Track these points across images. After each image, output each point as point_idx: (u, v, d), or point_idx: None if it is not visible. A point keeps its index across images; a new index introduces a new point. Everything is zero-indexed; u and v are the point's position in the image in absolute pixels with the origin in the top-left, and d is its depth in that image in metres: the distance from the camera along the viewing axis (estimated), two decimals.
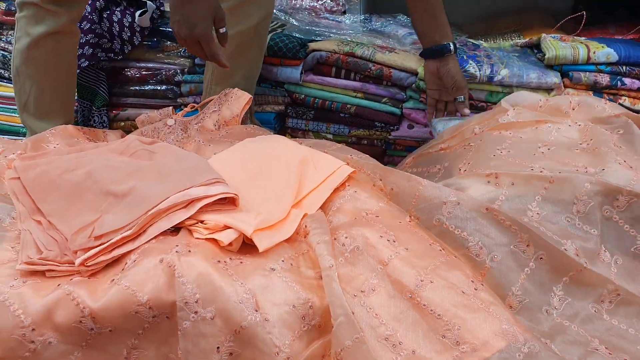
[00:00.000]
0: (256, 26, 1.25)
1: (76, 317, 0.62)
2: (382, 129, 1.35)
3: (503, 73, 1.23)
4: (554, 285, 0.73)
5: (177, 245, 0.66)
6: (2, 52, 1.53)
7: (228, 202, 0.76)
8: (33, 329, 0.62)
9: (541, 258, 0.74)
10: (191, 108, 1.30)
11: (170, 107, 1.28)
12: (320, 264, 0.67)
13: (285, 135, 1.43)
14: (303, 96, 1.37)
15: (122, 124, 1.51)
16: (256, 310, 0.63)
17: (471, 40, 1.44)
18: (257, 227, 0.72)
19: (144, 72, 1.48)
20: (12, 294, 0.63)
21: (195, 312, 0.62)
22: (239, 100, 1.16)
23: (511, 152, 0.87)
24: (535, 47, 1.35)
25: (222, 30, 1.02)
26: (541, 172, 0.79)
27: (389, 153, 1.38)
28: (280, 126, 1.45)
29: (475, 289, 0.68)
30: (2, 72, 1.55)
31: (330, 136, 1.39)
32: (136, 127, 1.32)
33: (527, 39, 1.46)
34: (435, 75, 1.15)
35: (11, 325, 0.62)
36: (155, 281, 0.63)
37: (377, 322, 0.64)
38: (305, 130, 1.40)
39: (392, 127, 1.34)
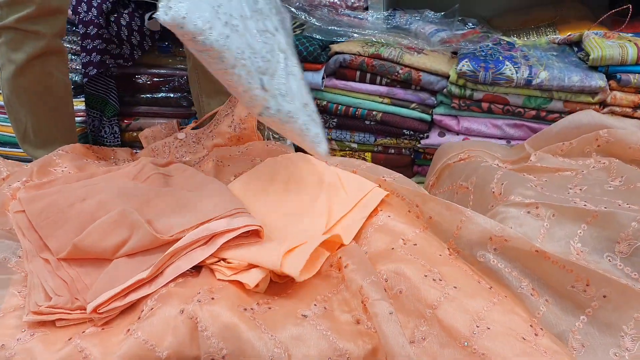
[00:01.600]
0: None
1: None
2: (410, 137, 1.28)
3: (542, 76, 1.14)
4: (624, 324, 0.66)
5: (199, 293, 0.61)
6: None
7: (252, 234, 0.71)
8: None
9: (605, 296, 0.67)
10: (194, 125, 1.25)
11: (174, 121, 1.23)
12: (371, 308, 0.61)
13: None
14: (325, 102, 1.30)
15: (135, 134, 1.46)
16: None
17: (504, 38, 1.36)
18: (283, 253, 0.66)
19: (155, 79, 1.43)
20: (19, 349, 0.59)
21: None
22: None
23: (544, 188, 0.82)
24: (576, 44, 1.27)
25: None
26: (584, 205, 0.73)
27: (418, 162, 1.31)
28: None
29: (536, 335, 0.62)
30: None
31: (354, 145, 1.32)
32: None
33: (564, 35, 1.37)
34: None
35: None
36: (176, 334, 0.57)
37: None
38: (328, 139, 1.33)
39: (421, 135, 1.27)
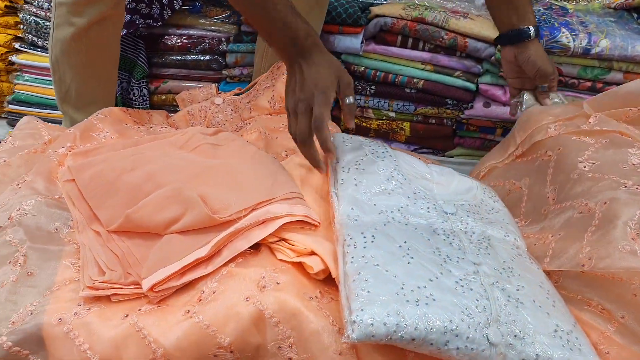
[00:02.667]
0: None
1: (147, 357, 0.54)
2: (453, 107, 1.21)
3: (603, 44, 1.07)
4: None
5: (263, 277, 0.57)
6: (34, 17, 1.42)
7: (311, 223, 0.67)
8: None
9: None
10: (236, 93, 1.19)
11: (214, 85, 1.17)
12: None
13: (340, 113, 1.31)
14: (363, 68, 1.24)
15: (164, 97, 1.40)
16: None
17: (556, 2, 1.27)
18: None
19: (185, 40, 1.36)
20: (77, 323, 0.56)
21: (290, 359, 0.54)
22: None
23: (595, 164, 0.75)
24: (635, 10, 1.18)
25: (348, 101, 0.75)
26: (637, 188, 0.67)
27: (459, 134, 1.25)
28: (335, 103, 1.33)
29: None
30: (36, 39, 1.44)
31: (392, 114, 1.26)
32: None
33: None
34: (514, 64, 0.98)
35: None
36: (240, 320, 0.54)
37: None
38: (364, 107, 1.27)
39: (465, 105, 1.21)
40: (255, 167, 0.72)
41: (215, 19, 1.35)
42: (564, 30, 1.08)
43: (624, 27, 1.12)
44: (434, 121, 1.25)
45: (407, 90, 1.23)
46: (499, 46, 1.12)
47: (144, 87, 1.39)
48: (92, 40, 1.07)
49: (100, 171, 0.71)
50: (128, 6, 1.29)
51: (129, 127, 0.91)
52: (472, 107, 1.20)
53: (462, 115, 1.22)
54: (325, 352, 0.54)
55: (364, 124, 1.30)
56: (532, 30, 0.94)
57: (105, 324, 0.56)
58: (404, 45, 1.21)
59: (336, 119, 1.31)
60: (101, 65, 1.14)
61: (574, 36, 1.07)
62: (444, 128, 1.25)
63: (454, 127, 1.25)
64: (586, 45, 1.06)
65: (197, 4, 1.35)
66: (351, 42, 1.22)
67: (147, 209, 0.64)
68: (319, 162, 0.75)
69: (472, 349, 0.54)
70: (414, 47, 1.20)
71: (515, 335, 0.56)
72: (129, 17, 1.30)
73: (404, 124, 1.27)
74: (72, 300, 0.59)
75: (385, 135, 1.30)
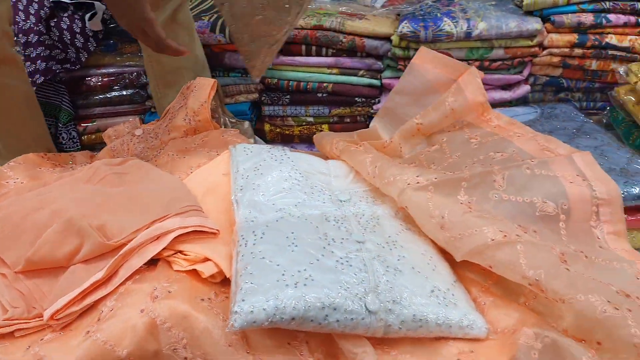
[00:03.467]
0: (172, 15, 1.14)
1: None
2: (363, 104, 1.28)
3: (481, 26, 1.14)
4: None
5: (155, 288, 0.61)
6: None
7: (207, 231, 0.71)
8: None
9: None
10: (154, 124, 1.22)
11: (137, 118, 1.21)
12: None
13: (263, 125, 1.37)
14: (276, 80, 1.29)
15: (93, 136, 1.43)
16: (248, 352, 0.58)
17: None
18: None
19: (105, 79, 1.39)
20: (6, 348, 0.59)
21: (185, 358, 0.58)
22: (203, 87, 1.08)
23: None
24: None
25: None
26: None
27: None
28: (256, 116, 1.38)
29: None
30: None
31: (311, 119, 1.32)
32: None
33: None
34: None
35: None
36: (135, 332, 0.57)
37: None
38: (283, 116, 1.33)
39: (373, 100, 1.27)
40: (155, 189, 0.76)
41: (132, 54, 1.39)
42: (446, 19, 1.15)
43: (501, 8, 1.19)
44: (348, 120, 1.31)
45: (319, 95, 1.29)
46: (394, 40, 1.19)
47: (72, 130, 1.42)
48: None
49: (6, 215, 0.74)
50: (42, 54, 1.33)
51: (43, 170, 0.94)
52: (379, 101, 1.27)
53: (372, 110, 1.28)
54: (216, 346, 0.58)
55: (286, 132, 1.35)
56: None
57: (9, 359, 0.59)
58: (308, 53, 1.27)
59: (258, 132, 1.36)
60: (16, 112, 1.12)
61: (455, 23, 1.14)
62: (359, 125, 1.31)
63: (367, 122, 1.31)
64: (467, 29, 1.13)
65: (112, 42, 1.39)
66: None
67: (46, 247, 0.67)
68: (179, 48, 0.91)
69: (351, 319, 0.58)
70: (318, 53, 1.26)
71: (393, 301, 0.61)
72: (44, 64, 1.33)
73: (323, 126, 1.32)
74: None
75: (309, 140, 1.35)
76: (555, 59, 1.17)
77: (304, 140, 1.36)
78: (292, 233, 0.68)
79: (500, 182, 0.77)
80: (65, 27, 1.34)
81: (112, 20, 1.38)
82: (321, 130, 1.32)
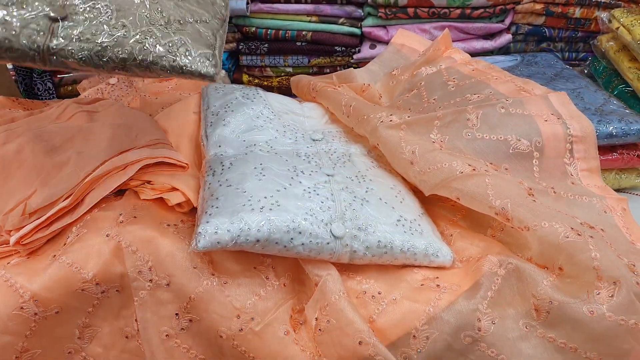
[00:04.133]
0: None
1: (16, 303, 0.56)
2: (343, 54, 1.25)
3: None
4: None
5: (120, 214, 0.60)
6: None
7: (176, 166, 0.70)
8: None
9: None
10: None
11: None
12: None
13: (242, 76, 1.34)
14: (254, 29, 1.26)
15: (70, 88, 1.40)
16: (212, 275, 0.58)
17: None
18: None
19: None
20: None
21: (150, 280, 0.58)
22: None
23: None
24: None
25: None
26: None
27: None
28: (235, 66, 1.35)
29: None
30: None
31: (289, 69, 1.30)
32: None
33: None
34: None
35: None
36: (101, 255, 0.57)
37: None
38: (261, 66, 1.30)
39: (353, 50, 1.25)
40: (123, 123, 0.75)
41: None
42: None
43: None
44: (328, 70, 1.29)
45: (298, 43, 1.26)
46: None
47: (48, 81, 1.38)
48: None
49: None
50: None
51: (12, 111, 0.93)
52: (359, 51, 1.25)
53: (352, 60, 1.26)
54: (180, 268, 0.58)
55: (265, 83, 1.33)
56: None
57: None
58: (287, 0, 1.24)
59: (236, 83, 1.34)
60: None
61: None
62: None
63: None
64: None
65: None
66: (237, 4, 1.23)
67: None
68: None
69: (317, 243, 0.59)
70: (297, 1, 1.23)
71: (359, 228, 0.61)
72: None
73: None
74: None
75: (287, 91, 1.33)
76: (538, 6, 1.15)
77: (283, 92, 1.32)
78: (261, 164, 0.67)
79: (474, 120, 0.76)
80: None
81: None
82: None
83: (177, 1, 0.57)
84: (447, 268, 0.63)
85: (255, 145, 0.74)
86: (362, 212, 0.63)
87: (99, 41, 0.51)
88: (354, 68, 1.27)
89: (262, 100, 0.84)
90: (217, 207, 0.59)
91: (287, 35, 1.25)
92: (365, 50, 1.24)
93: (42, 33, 0.50)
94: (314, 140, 0.79)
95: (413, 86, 0.93)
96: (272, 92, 1.34)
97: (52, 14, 0.51)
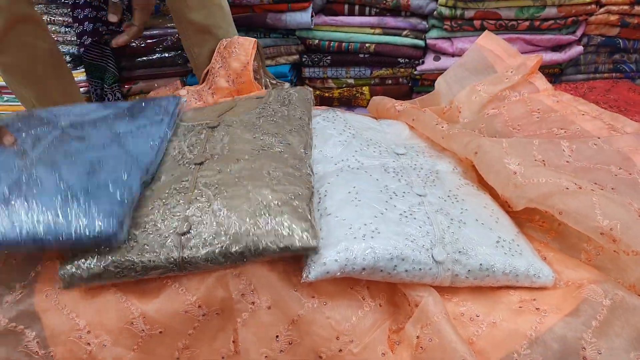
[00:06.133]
0: None
1: (127, 318, 0.58)
2: (406, 65, 1.23)
3: None
4: None
5: None
6: None
7: None
8: (88, 331, 0.59)
9: None
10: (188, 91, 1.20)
11: (178, 80, 1.19)
12: None
13: (303, 85, 1.34)
14: (317, 41, 1.26)
15: (137, 97, 1.43)
16: (313, 297, 0.58)
17: None
18: None
19: (148, 41, 1.38)
20: (63, 297, 0.60)
21: (253, 303, 0.58)
22: (243, 47, 1.04)
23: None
24: None
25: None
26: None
27: (416, 90, 1.28)
28: (297, 77, 1.35)
29: None
30: None
31: (351, 81, 1.28)
32: None
33: None
34: None
35: (68, 327, 0.60)
36: (205, 279, 0.58)
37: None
38: (323, 78, 1.30)
39: (417, 62, 1.23)
40: None
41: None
42: None
43: None
44: (390, 82, 1.27)
45: (361, 55, 1.25)
46: (440, 0, 1.15)
47: (117, 92, 1.42)
48: (14, 50, 1.01)
49: None
50: (89, 15, 1.32)
51: None
52: (423, 62, 1.22)
53: (415, 72, 1.24)
54: (282, 291, 0.57)
55: (326, 95, 1.32)
56: None
57: (88, 292, 0.60)
58: (351, 13, 1.23)
59: None
60: (45, 72, 1.09)
61: None
62: (401, 87, 1.27)
63: (409, 84, 1.27)
64: None
65: (155, 5, 1.37)
66: (301, 17, 1.24)
67: None
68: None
69: (419, 269, 0.57)
70: (361, 13, 1.22)
71: (459, 252, 0.59)
72: (91, 25, 1.32)
73: (363, 88, 1.29)
74: (55, 279, 0.62)
75: (348, 103, 1.32)
76: (613, 17, 1.10)
77: (344, 103, 1.33)
78: (354, 187, 0.66)
79: (569, 152, 0.74)
80: None
81: None
82: (362, 93, 1.29)
83: (273, 187, 0.62)
84: (544, 289, 0.61)
85: (343, 161, 0.73)
86: (460, 234, 0.61)
87: (219, 242, 0.57)
88: (417, 79, 1.26)
89: (342, 120, 0.83)
90: (321, 238, 0.58)
91: (350, 47, 1.24)
92: (429, 62, 1.22)
93: (176, 248, 0.57)
94: (397, 154, 0.77)
95: (496, 107, 0.91)
96: (333, 103, 1.34)
97: (179, 230, 0.58)
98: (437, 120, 0.84)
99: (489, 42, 1.03)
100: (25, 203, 0.59)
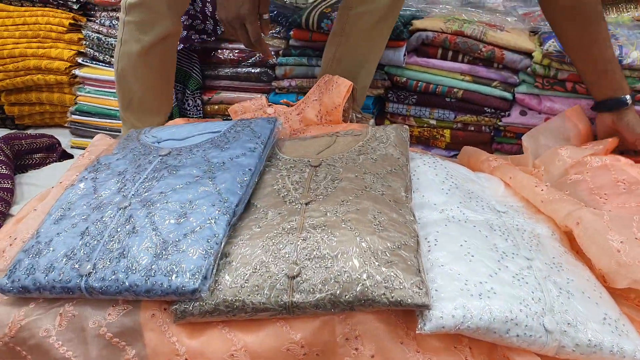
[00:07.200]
0: (390, 5, 1.11)
1: (228, 349, 0.60)
2: (491, 115, 1.25)
3: (634, 55, 1.09)
4: None
5: None
6: (96, 34, 1.50)
7: None
8: (186, 358, 0.61)
9: None
10: (284, 104, 1.23)
11: (264, 96, 1.22)
12: None
13: (384, 122, 1.36)
14: (405, 79, 1.28)
15: (216, 107, 1.47)
16: (418, 352, 0.59)
17: None
18: None
19: (237, 54, 1.42)
20: (167, 319, 0.62)
21: (356, 349, 0.59)
22: (339, 87, 1.08)
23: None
24: None
25: (265, 17, 0.97)
26: None
27: (497, 140, 1.29)
28: (379, 111, 1.37)
29: None
30: (97, 54, 1.52)
31: (433, 122, 1.30)
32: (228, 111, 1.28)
33: None
34: (611, 128, 1.03)
35: (168, 350, 0.61)
36: (310, 320, 0.60)
37: None
38: (406, 115, 1.32)
39: (502, 113, 1.24)
40: None
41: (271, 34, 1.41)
42: None
43: None
44: (472, 128, 1.28)
45: (448, 99, 1.27)
46: (535, 57, 1.16)
47: (198, 98, 1.46)
48: (156, 56, 1.14)
49: None
50: (184, 22, 1.36)
51: None
52: (509, 115, 1.24)
53: (499, 123, 1.25)
54: (388, 342, 0.59)
55: None
56: (628, 98, 1.00)
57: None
58: (444, 57, 1.25)
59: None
60: (162, 78, 1.21)
61: None
62: (482, 135, 1.28)
63: (492, 133, 1.28)
64: (618, 56, 1.08)
65: None
66: (394, 55, 1.26)
67: None
68: (268, 51, 1.03)
69: (530, 335, 0.58)
70: (454, 59, 1.24)
71: (568, 323, 0.60)
72: (185, 32, 1.37)
73: (445, 131, 1.30)
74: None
75: (426, 142, 1.34)
76: None
77: (422, 142, 1.35)
78: (465, 241, 0.67)
79: None
80: None
81: None
82: (442, 135, 1.31)
83: (379, 233, 0.64)
84: None
85: (446, 210, 0.74)
86: (569, 306, 0.62)
87: (329, 289, 0.58)
88: (500, 130, 1.27)
89: (443, 167, 0.85)
90: (436, 290, 0.59)
91: (437, 89, 1.26)
92: (515, 116, 1.23)
93: (285, 292, 0.59)
94: (499, 211, 0.78)
95: (579, 172, 0.92)
96: (411, 140, 1.35)
97: (289, 273, 0.60)
98: (536, 182, 0.84)
99: (574, 116, 1.06)
100: (123, 256, 0.64)
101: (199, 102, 1.46)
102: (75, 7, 1.55)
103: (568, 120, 1.07)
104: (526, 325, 0.58)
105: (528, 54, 1.19)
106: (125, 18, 1.10)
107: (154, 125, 1.17)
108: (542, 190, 0.83)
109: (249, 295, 0.59)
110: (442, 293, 0.59)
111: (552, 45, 1.13)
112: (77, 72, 1.55)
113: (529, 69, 1.19)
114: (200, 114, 1.46)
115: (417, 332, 0.57)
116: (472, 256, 0.65)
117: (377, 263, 0.60)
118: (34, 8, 1.57)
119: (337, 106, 1.08)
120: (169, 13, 1.08)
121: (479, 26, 1.22)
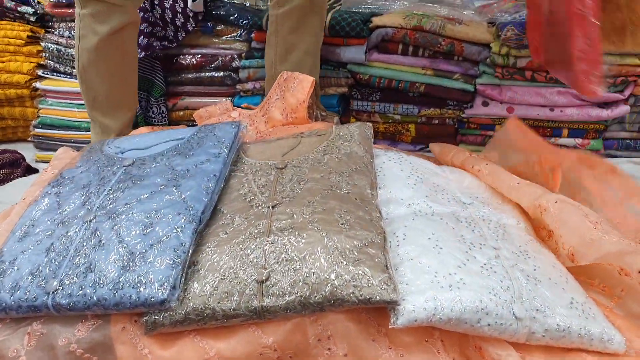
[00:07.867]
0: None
1: (201, 357, 0.59)
2: (454, 107, 1.27)
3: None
4: None
5: None
6: (55, 46, 1.47)
7: None
8: None
9: None
10: (246, 107, 1.23)
11: (228, 101, 1.21)
12: None
13: (349, 119, 1.37)
14: (368, 76, 1.29)
15: (181, 113, 1.45)
16: (390, 348, 0.60)
17: None
18: None
19: (199, 59, 1.41)
20: (137, 331, 0.62)
21: (329, 349, 0.59)
22: (302, 84, 1.07)
23: None
24: None
25: None
26: None
27: (461, 132, 1.30)
28: (344, 109, 1.38)
29: None
30: (57, 66, 1.49)
31: (398, 117, 1.32)
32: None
33: None
34: None
35: None
36: (282, 323, 0.60)
37: None
38: (371, 112, 1.33)
39: (465, 105, 1.27)
40: None
41: (227, 37, 1.40)
42: None
43: None
44: (437, 121, 1.30)
45: (411, 94, 1.28)
46: (493, 48, 1.19)
47: (162, 105, 1.44)
48: (117, 47, 1.11)
49: None
50: (145, 30, 1.35)
51: None
52: (471, 106, 1.26)
53: (463, 115, 1.27)
54: (359, 340, 0.58)
55: None
56: None
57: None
58: (404, 52, 1.26)
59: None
60: (124, 72, 1.18)
61: None
62: (446, 127, 1.30)
63: (455, 126, 1.30)
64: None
65: (209, 24, 1.40)
66: (356, 52, 1.27)
67: None
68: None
69: (501, 324, 0.59)
70: (415, 54, 1.26)
71: (537, 310, 0.61)
72: (146, 40, 1.35)
73: (409, 125, 1.32)
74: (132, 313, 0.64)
75: (392, 137, 1.35)
76: None
77: (388, 138, 1.36)
78: (433, 234, 0.68)
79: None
80: (168, 6, 1.35)
81: (212, 3, 1.39)
82: (407, 130, 1.32)
83: (346, 232, 0.64)
84: (617, 355, 0.63)
85: (412, 205, 0.76)
86: (537, 292, 0.63)
87: (299, 291, 0.58)
88: (464, 122, 1.29)
89: (408, 162, 0.86)
90: (407, 284, 0.60)
91: (400, 85, 1.27)
92: (478, 107, 1.25)
93: (255, 296, 0.59)
94: (464, 203, 0.80)
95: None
96: (377, 136, 1.37)
97: (258, 278, 0.60)
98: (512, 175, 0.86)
99: (513, 127, 1.02)
100: (90, 270, 0.63)
101: (163, 109, 1.44)
102: (32, 19, 1.52)
103: (509, 132, 1.04)
104: (496, 314, 0.59)
105: (487, 45, 1.22)
106: (81, 12, 1.08)
107: (123, 121, 1.16)
108: (517, 182, 0.84)
109: (219, 303, 0.59)
110: (413, 286, 0.60)
111: (510, 30, 1.15)
112: (38, 84, 1.51)
113: (488, 59, 1.22)
114: (165, 121, 1.45)
115: (390, 327, 0.57)
116: (441, 248, 0.66)
117: (344, 262, 0.60)
118: None
119: (301, 103, 1.08)
120: (124, 3, 1.06)
121: (437, 20, 1.24)
